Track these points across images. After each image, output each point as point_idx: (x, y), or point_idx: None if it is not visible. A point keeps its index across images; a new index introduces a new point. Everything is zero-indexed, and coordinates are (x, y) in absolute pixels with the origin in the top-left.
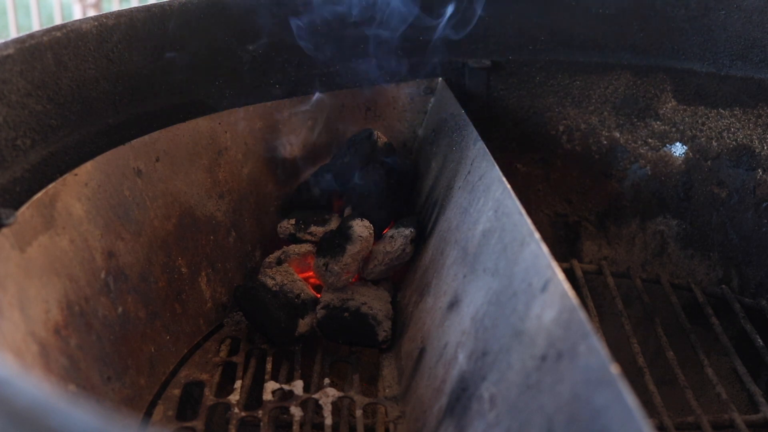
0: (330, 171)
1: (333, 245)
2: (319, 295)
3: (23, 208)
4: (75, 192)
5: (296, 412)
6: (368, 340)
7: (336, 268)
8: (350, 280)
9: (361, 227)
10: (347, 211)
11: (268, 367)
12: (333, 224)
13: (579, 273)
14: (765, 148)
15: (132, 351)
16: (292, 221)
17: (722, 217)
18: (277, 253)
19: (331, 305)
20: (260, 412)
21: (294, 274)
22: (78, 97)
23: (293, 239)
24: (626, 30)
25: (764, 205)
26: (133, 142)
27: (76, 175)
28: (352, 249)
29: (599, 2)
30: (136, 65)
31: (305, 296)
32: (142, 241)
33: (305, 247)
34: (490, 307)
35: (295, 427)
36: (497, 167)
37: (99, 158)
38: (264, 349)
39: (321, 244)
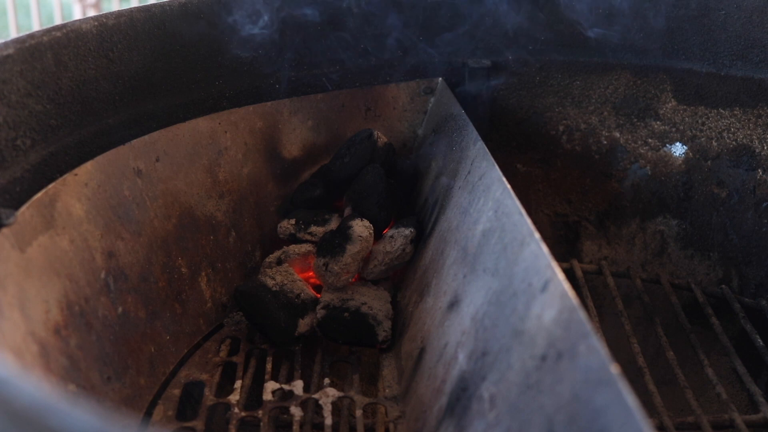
0: (330, 171)
1: (333, 245)
2: (319, 295)
3: (23, 208)
4: (75, 192)
5: (296, 412)
6: (368, 340)
7: (336, 268)
8: (350, 280)
9: (361, 227)
10: (347, 211)
11: (268, 367)
12: (333, 224)
13: (579, 273)
14: (765, 148)
15: (132, 351)
16: (292, 221)
17: (722, 217)
18: (277, 253)
19: (331, 305)
20: (260, 412)
21: (294, 274)
22: (78, 97)
23: (293, 239)
24: (626, 30)
25: (764, 205)
26: (133, 142)
27: (76, 175)
28: (352, 249)
29: (599, 2)
30: (136, 65)
31: (305, 296)
32: (142, 241)
33: (305, 247)
34: (490, 307)
35: (295, 427)
36: (497, 167)
37: (99, 158)
38: (264, 349)
39: (321, 244)
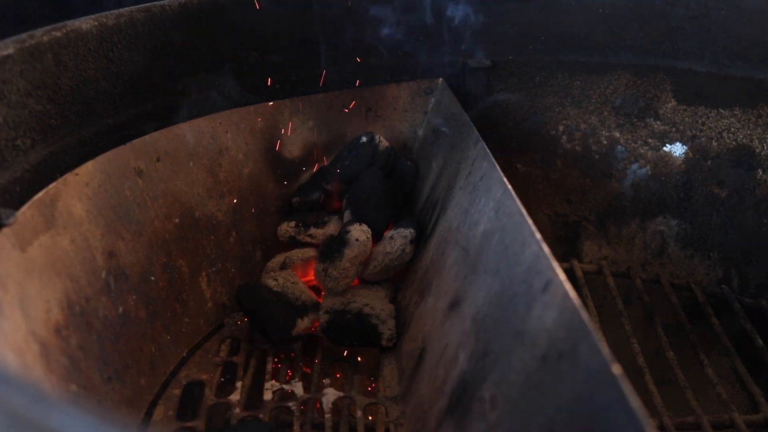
0: (330, 173)
1: (332, 250)
2: (320, 299)
3: (24, 208)
4: (76, 192)
5: (296, 412)
6: (374, 340)
7: (335, 273)
8: (350, 284)
9: (359, 231)
10: (347, 215)
11: (269, 367)
12: (332, 226)
13: (579, 273)
14: (765, 148)
15: (132, 351)
16: (292, 224)
17: (722, 217)
18: (280, 258)
19: (334, 309)
20: (260, 412)
21: (296, 277)
22: (78, 97)
23: (293, 241)
24: (626, 30)
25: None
26: (134, 141)
27: (77, 174)
28: (350, 253)
29: (599, 2)
30: (136, 65)
31: (305, 298)
32: (142, 241)
33: (308, 253)
34: (491, 308)
35: (295, 427)
36: (498, 168)
37: (100, 158)
38: (264, 349)
39: (321, 250)
